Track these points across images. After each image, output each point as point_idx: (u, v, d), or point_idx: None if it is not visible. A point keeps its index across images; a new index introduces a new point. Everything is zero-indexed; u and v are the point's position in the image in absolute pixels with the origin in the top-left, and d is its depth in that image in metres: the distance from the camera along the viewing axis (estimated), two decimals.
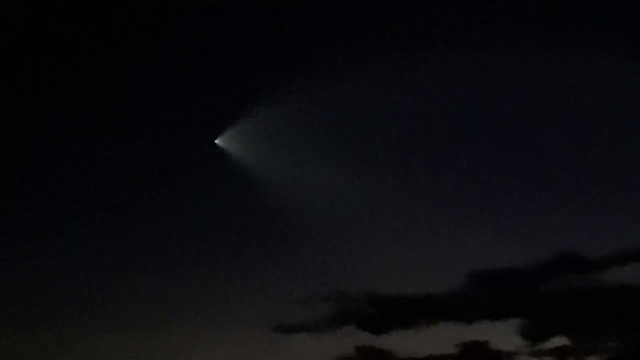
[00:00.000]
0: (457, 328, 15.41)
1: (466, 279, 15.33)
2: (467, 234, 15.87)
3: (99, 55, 16.38)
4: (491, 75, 16.26)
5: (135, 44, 16.43)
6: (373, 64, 16.64)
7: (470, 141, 16.42)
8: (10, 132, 16.22)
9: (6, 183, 16.25)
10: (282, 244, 16.31)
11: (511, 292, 15.36)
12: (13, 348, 15.46)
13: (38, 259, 16.02)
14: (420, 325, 15.62)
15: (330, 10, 16.49)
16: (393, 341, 15.48)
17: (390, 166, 16.58)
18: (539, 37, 16.17)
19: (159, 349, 15.64)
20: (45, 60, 16.32)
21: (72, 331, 15.91)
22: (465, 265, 15.35)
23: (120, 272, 16.15)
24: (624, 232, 15.21)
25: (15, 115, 16.25)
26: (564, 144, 16.09)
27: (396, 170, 16.51)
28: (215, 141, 16.57)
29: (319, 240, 16.11)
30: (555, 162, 16.02)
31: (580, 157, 15.98)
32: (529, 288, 15.32)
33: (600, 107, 15.96)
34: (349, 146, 16.66)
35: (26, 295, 15.88)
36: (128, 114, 16.62)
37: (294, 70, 16.46)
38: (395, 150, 16.52)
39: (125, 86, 16.55)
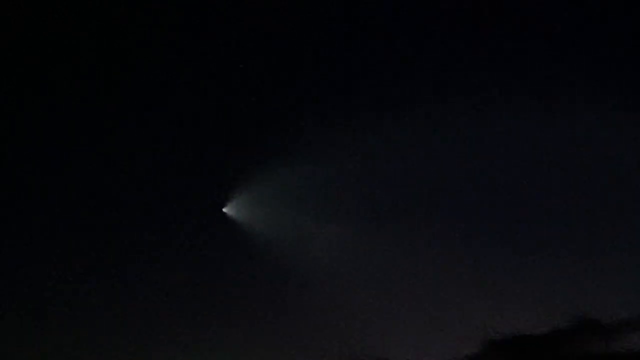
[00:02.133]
0: None
1: (483, 346, 15.08)
2: (484, 300, 15.67)
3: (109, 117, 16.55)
4: (504, 135, 16.42)
5: (145, 108, 16.66)
6: (383, 126, 16.78)
7: (487, 207, 16.46)
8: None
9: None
10: (294, 312, 16.16)
11: (529, 359, 15.06)
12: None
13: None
14: None
15: (334, 73, 16.76)
16: None
17: (406, 232, 16.57)
18: (552, 94, 16.31)
19: None
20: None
21: None
22: (482, 332, 15.13)
23: (122, 348, 15.91)
24: None
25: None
26: (581, 208, 16.08)
27: (412, 237, 16.49)
28: (223, 209, 16.60)
29: (332, 306, 15.97)
30: (573, 227, 15.97)
31: (597, 222, 15.93)
32: (547, 354, 15.02)
33: (622, 166, 15.97)
34: (361, 212, 16.70)
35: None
36: (135, 180, 16.76)
37: (302, 136, 16.64)
38: (411, 217, 16.53)
39: (132, 152, 16.74)
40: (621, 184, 15.88)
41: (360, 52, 17.03)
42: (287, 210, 16.81)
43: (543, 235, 16.13)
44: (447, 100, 16.50)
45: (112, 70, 16.55)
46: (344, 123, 16.57)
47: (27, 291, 16.05)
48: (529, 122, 16.27)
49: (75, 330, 15.87)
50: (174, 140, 16.73)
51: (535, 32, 16.55)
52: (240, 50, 16.83)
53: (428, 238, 16.56)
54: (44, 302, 16.06)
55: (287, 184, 16.71)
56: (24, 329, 15.62)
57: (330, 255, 16.45)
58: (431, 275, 16.22)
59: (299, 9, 16.51)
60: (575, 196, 16.07)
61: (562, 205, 16.12)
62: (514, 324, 15.12)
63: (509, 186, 16.41)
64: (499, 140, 16.50)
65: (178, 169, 16.75)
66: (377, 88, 16.95)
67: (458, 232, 16.49)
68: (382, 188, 16.87)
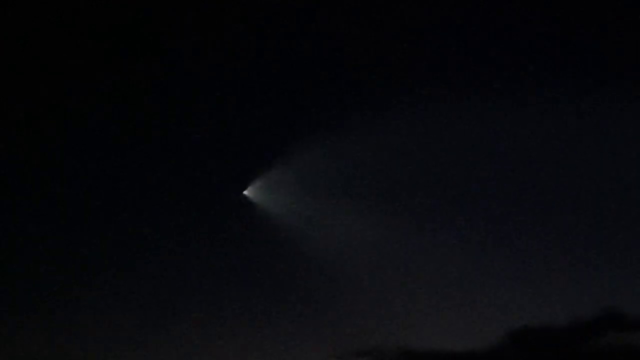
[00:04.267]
0: None
1: (505, 337, 15.08)
2: (506, 290, 15.63)
3: (131, 101, 16.47)
4: (529, 117, 16.19)
5: (168, 94, 16.56)
6: (402, 113, 16.61)
7: (510, 194, 16.27)
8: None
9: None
10: (316, 299, 16.10)
11: (551, 351, 15.06)
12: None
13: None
14: None
15: (349, 63, 16.57)
16: None
17: (426, 219, 16.44)
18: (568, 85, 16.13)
19: None
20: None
21: None
22: (504, 323, 15.13)
23: (141, 331, 15.99)
24: None
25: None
26: (608, 199, 15.90)
27: (433, 224, 16.37)
28: (244, 192, 16.55)
29: (354, 294, 15.94)
30: (598, 218, 15.83)
31: (622, 212, 15.78)
32: (570, 347, 15.02)
33: None
34: (384, 198, 16.54)
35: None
36: (156, 163, 16.65)
37: (322, 121, 16.51)
38: (432, 204, 16.41)
39: (155, 136, 16.68)
40: None
41: (378, 41, 16.81)
42: (308, 195, 16.73)
43: (568, 224, 15.99)
44: (464, 88, 16.33)
45: (138, 50, 16.45)
46: (365, 111, 16.45)
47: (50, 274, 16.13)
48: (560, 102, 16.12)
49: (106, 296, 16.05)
50: (197, 123, 16.62)
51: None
52: (263, 36, 16.67)
53: (449, 226, 16.47)
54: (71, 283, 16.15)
55: (308, 170, 16.62)
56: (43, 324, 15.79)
57: (350, 242, 16.38)
58: (452, 265, 16.12)
59: None
60: (603, 186, 15.91)
61: (589, 195, 15.96)
62: (536, 315, 15.15)
63: (534, 173, 16.23)
64: (523, 122, 16.31)
65: (201, 151, 16.66)
66: (395, 76, 16.73)
67: (480, 220, 16.37)
68: (402, 174, 16.71)
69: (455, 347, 15.23)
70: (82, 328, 15.82)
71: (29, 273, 15.99)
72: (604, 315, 14.78)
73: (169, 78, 16.56)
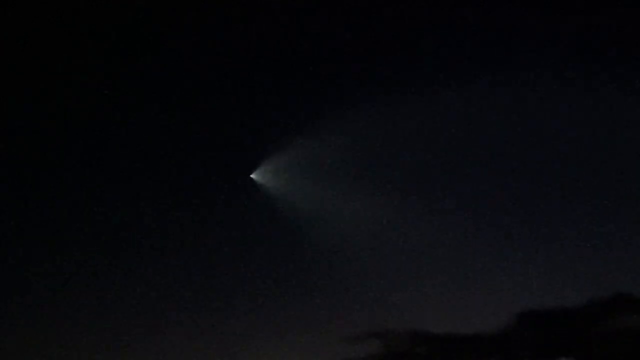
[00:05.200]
0: None
1: (517, 319, 15.11)
2: (518, 272, 15.63)
3: (136, 90, 16.31)
4: (539, 106, 16.19)
5: (174, 80, 16.38)
6: (410, 97, 16.51)
7: (523, 179, 16.26)
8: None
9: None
10: (327, 281, 16.00)
11: (563, 333, 15.11)
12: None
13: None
14: None
15: (358, 47, 16.44)
16: None
17: (434, 203, 16.37)
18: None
19: None
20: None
21: None
22: (516, 304, 15.17)
23: (150, 308, 15.83)
24: None
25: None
26: (621, 179, 15.95)
27: (441, 208, 16.29)
28: (251, 175, 16.40)
29: (365, 277, 15.85)
30: (611, 201, 15.86)
31: (635, 197, 15.82)
32: (582, 329, 15.07)
33: None
34: (395, 180, 16.44)
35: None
36: (163, 148, 16.48)
37: (329, 105, 16.40)
38: (440, 189, 16.35)
39: (163, 120, 16.47)
40: None
41: (383, 26, 16.70)
42: (314, 179, 16.59)
43: (583, 209, 16.02)
44: (473, 78, 16.32)
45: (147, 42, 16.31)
46: (372, 95, 16.35)
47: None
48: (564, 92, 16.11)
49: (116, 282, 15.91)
50: (206, 107, 16.46)
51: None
52: (272, 25, 16.51)
53: (458, 210, 16.41)
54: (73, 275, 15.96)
55: (314, 154, 16.49)
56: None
57: (359, 225, 16.28)
58: (461, 248, 16.11)
59: None
60: (612, 170, 15.96)
61: (602, 180, 15.99)
62: (549, 298, 15.19)
63: (543, 158, 16.23)
64: (534, 108, 16.32)
65: (210, 134, 16.50)
66: (404, 63, 16.67)
67: (489, 203, 16.34)
68: (411, 159, 16.64)
69: (467, 330, 15.27)
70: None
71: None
72: (616, 297, 14.83)
73: (174, 65, 16.40)
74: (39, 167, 16.21)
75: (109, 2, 15.98)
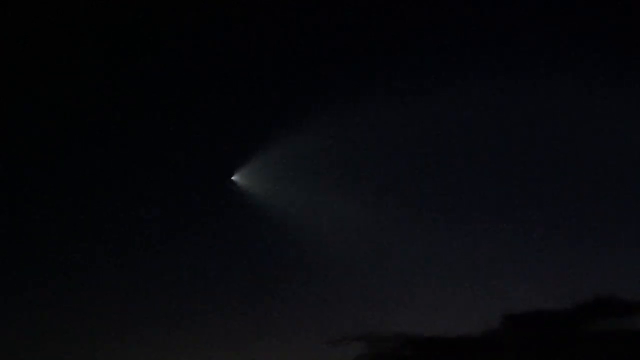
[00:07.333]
0: None
1: (502, 321, 15.07)
2: (504, 275, 15.70)
3: (119, 90, 16.22)
4: (528, 108, 16.19)
5: (156, 81, 16.35)
6: (391, 98, 16.50)
7: (508, 182, 16.33)
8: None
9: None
10: (311, 284, 16.04)
11: (548, 336, 15.08)
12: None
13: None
14: None
15: (342, 46, 16.43)
16: None
17: (421, 206, 16.39)
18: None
19: None
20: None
21: None
22: (501, 307, 15.11)
23: (133, 317, 15.83)
24: None
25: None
26: (603, 184, 16.02)
27: (429, 209, 16.33)
28: (232, 178, 16.34)
29: (351, 279, 15.83)
30: (595, 204, 15.94)
31: (620, 198, 15.92)
32: (566, 331, 15.05)
33: None
34: (378, 183, 16.44)
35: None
36: (145, 149, 16.45)
37: (310, 106, 16.40)
38: (427, 191, 16.37)
39: (144, 122, 16.54)
40: None
41: (370, 24, 16.70)
42: (296, 181, 16.55)
43: (567, 211, 16.09)
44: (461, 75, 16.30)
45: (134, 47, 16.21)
46: (354, 96, 16.33)
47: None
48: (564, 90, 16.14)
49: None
50: (187, 109, 16.49)
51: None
52: (254, 26, 16.52)
53: (445, 213, 16.45)
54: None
55: (296, 156, 16.44)
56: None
57: (344, 228, 16.25)
58: (449, 251, 16.14)
59: None
60: (598, 176, 16.04)
61: (585, 185, 16.07)
62: (534, 300, 15.18)
63: (530, 162, 16.30)
64: (524, 108, 16.37)
65: (190, 136, 16.55)
66: (389, 62, 16.67)
67: (477, 207, 16.39)
68: (396, 161, 16.64)
69: (452, 333, 15.22)
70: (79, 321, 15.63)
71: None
72: (600, 300, 14.84)
73: (154, 69, 16.40)
74: (26, 166, 16.13)
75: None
